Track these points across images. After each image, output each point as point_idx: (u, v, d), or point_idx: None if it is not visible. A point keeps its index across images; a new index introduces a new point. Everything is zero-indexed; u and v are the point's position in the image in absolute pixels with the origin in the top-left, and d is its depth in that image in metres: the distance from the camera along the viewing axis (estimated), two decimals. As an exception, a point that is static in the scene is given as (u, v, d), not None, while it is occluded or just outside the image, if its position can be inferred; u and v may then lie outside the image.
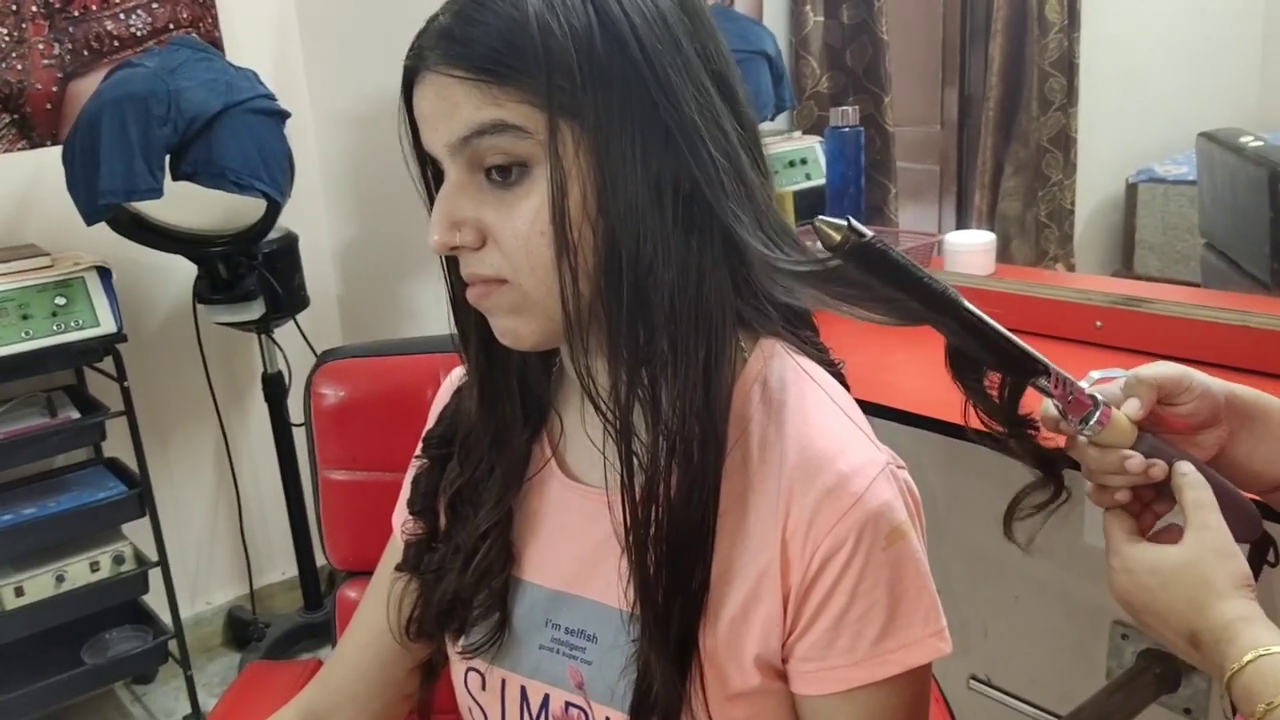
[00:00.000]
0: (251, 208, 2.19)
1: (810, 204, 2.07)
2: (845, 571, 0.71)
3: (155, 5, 2.37)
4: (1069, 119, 2.75)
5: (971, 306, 0.65)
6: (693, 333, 0.70)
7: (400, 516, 0.92)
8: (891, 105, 2.13)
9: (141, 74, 1.99)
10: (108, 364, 2.16)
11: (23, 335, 2.01)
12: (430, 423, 0.91)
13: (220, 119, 2.01)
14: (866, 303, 0.63)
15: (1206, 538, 0.70)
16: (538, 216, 0.68)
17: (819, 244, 0.62)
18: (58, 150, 2.09)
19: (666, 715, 0.74)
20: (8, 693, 2.10)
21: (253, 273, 2.29)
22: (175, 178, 2.04)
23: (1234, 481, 0.77)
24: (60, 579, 2.15)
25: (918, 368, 1.50)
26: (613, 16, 0.67)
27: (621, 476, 0.71)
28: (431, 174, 0.77)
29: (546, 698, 0.81)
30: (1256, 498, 0.79)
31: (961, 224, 2.80)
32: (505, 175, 0.69)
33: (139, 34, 2.36)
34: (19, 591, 2.10)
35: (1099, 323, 1.52)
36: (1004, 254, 2.22)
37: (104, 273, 2.12)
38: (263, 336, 2.43)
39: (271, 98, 2.13)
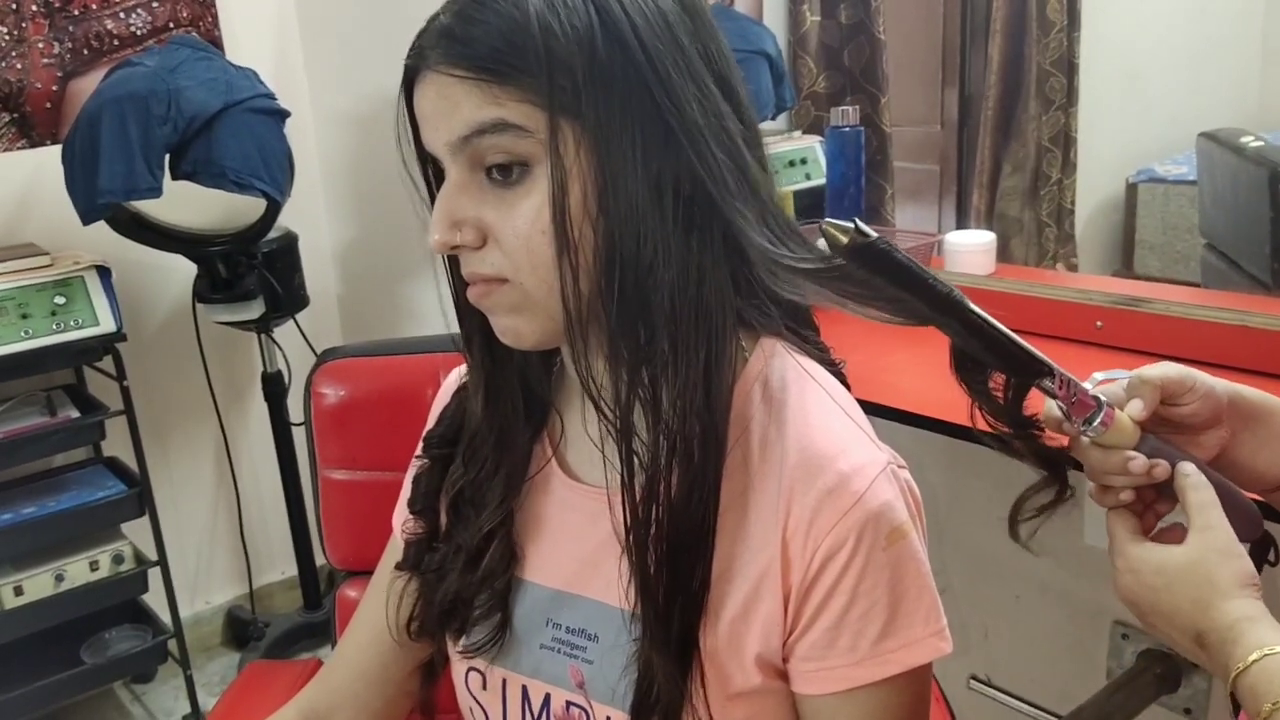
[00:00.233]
0: (251, 207, 2.19)
1: (810, 204, 2.07)
2: (846, 571, 0.71)
3: (155, 4, 2.37)
4: (1069, 119, 2.75)
5: (976, 308, 0.65)
6: (693, 332, 0.70)
7: (400, 516, 0.92)
8: (888, 105, 2.12)
9: (141, 73, 1.99)
10: (107, 363, 2.16)
11: (22, 334, 2.01)
12: (431, 423, 0.90)
13: (220, 118, 2.01)
14: (871, 301, 0.63)
15: (1210, 537, 0.70)
16: (538, 215, 0.68)
17: (823, 244, 0.62)
18: (57, 149, 2.09)
19: (667, 714, 0.73)
20: (7, 692, 2.09)
21: (252, 272, 2.29)
22: (175, 177, 2.04)
23: (1236, 481, 0.77)
24: (60, 578, 2.15)
25: (918, 368, 1.50)
26: (614, 16, 0.66)
27: (622, 476, 0.71)
28: (432, 173, 0.77)
29: (548, 697, 0.81)
30: (1258, 497, 0.79)
31: (961, 224, 2.80)
32: (506, 174, 0.69)
33: (139, 33, 2.36)
34: (18, 591, 2.10)
35: (1099, 323, 1.52)
36: (1004, 254, 2.22)
37: (103, 272, 2.12)
38: (262, 336, 2.43)
39: (271, 97, 2.13)
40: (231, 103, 2.02)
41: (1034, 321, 1.50)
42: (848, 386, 0.81)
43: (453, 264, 0.77)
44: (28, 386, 2.21)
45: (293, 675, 1.20)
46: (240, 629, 2.67)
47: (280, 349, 2.47)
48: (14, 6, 2.21)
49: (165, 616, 2.32)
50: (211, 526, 2.69)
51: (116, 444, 2.28)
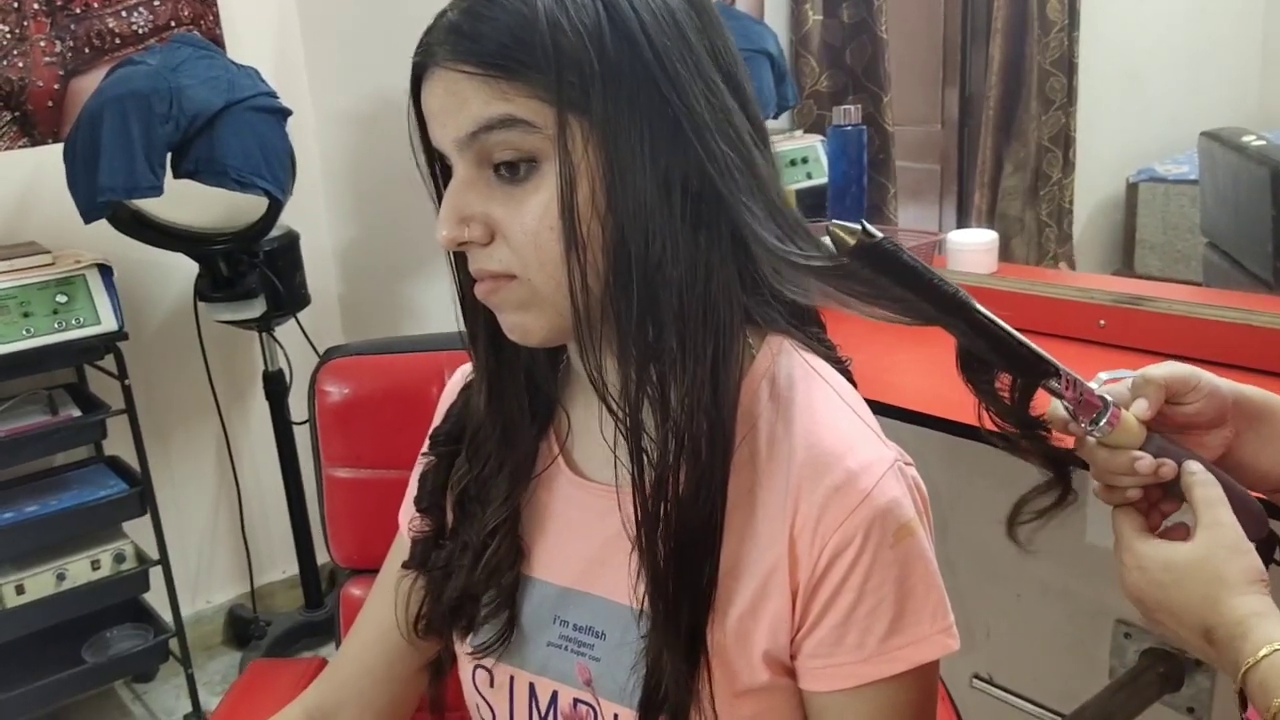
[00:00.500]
0: (253, 206, 2.19)
1: (812, 203, 2.07)
2: (853, 568, 0.71)
3: (157, 3, 2.37)
4: (1069, 118, 2.75)
5: (982, 308, 0.65)
6: (701, 329, 0.70)
7: (407, 514, 0.92)
8: (891, 104, 2.12)
9: (143, 71, 1.99)
10: (109, 362, 2.16)
11: (24, 333, 2.01)
12: (437, 420, 0.90)
13: (222, 117, 2.01)
14: (877, 301, 0.63)
15: (1219, 534, 0.70)
16: (546, 212, 0.68)
17: (828, 244, 0.62)
18: (59, 148, 2.09)
19: (675, 712, 0.74)
20: (8, 691, 2.09)
21: (254, 271, 2.29)
22: (177, 175, 2.04)
23: (1240, 480, 0.77)
24: (61, 577, 2.14)
25: (920, 366, 1.50)
26: (622, 13, 0.66)
27: (631, 473, 0.71)
28: (440, 170, 0.77)
29: (555, 695, 0.81)
30: (1262, 496, 0.79)
31: (962, 223, 2.80)
32: (514, 171, 0.69)
33: (140, 31, 2.36)
34: (20, 589, 2.10)
35: (1102, 321, 1.52)
36: (1004, 253, 2.22)
37: (105, 270, 2.12)
38: (264, 335, 2.43)
39: (273, 95, 2.13)
40: (233, 101, 2.02)
41: (1036, 320, 1.50)
42: (854, 384, 0.81)
43: (459, 260, 0.77)
44: (29, 385, 2.21)
45: (296, 674, 1.21)
46: (241, 628, 2.67)
47: (281, 348, 2.47)
48: (16, 5, 2.21)
49: (166, 615, 2.32)
50: (212, 525, 2.69)
51: (118, 443, 2.28)
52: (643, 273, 0.68)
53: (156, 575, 2.27)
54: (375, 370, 1.26)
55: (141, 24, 2.36)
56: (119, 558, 2.23)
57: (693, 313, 0.69)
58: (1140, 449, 0.73)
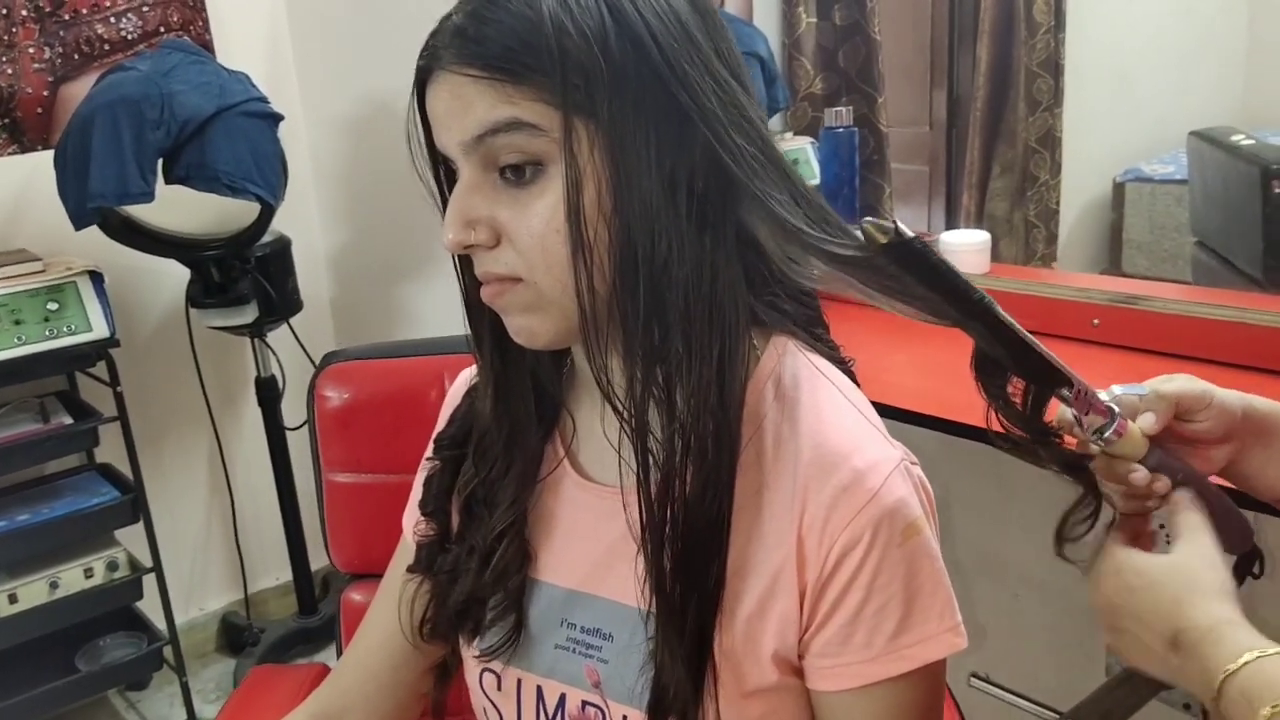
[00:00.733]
0: (244, 211, 2.18)
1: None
2: (861, 568, 0.71)
3: (146, 9, 2.37)
4: (1056, 119, 2.76)
5: (1004, 314, 0.65)
6: (706, 330, 0.70)
7: (411, 518, 0.92)
8: (885, 105, 2.13)
9: (134, 77, 1.99)
10: (100, 369, 2.15)
11: (15, 340, 2.00)
12: (441, 424, 0.90)
13: (213, 122, 2.01)
14: (900, 297, 0.63)
15: (1196, 548, 0.70)
16: (553, 215, 0.68)
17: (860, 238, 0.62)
18: (49, 155, 2.08)
19: (684, 713, 0.74)
20: (2, 700, 2.08)
21: (246, 276, 2.28)
22: (169, 181, 2.04)
23: (1248, 491, 0.78)
24: (54, 585, 2.14)
25: (918, 367, 1.50)
26: (627, 17, 0.67)
27: (637, 474, 0.72)
28: (443, 174, 0.77)
29: (563, 697, 0.81)
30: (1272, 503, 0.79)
31: (950, 224, 2.81)
32: (519, 174, 0.69)
33: (129, 37, 2.36)
34: (12, 598, 2.09)
35: (1096, 321, 1.53)
36: (992, 254, 2.23)
37: (96, 277, 2.11)
38: (256, 341, 2.42)
39: (265, 100, 2.12)
40: (225, 107, 2.02)
41: (1030, 320, 1.49)
42: (857, 384, 0.82)
43: (464, 264, 0.77)
44: (21, 393, 2.20)
45: (297, 680, 1.20)
46: (235, 635, 2.66)
47: (274, 353, 2.46)
48: (4, 11, 2.20)
49: (160, 623, 2.31)
50: (205, 532, 2.68)
51: (110, 450, 2.27)
52: (649, 274, 0.68)
53: (150, 583, 2.26)
54: (375, 375, 1.26)
55: (130, 30, 2.36)
56: (112, 566, 2.22)
57: (698, 313, 0.70)
58: (1141, 461, 0.74)
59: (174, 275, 2.36)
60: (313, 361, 2.45)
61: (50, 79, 2.27)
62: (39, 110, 2.27)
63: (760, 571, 0.74)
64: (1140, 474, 0.73)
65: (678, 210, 0.68)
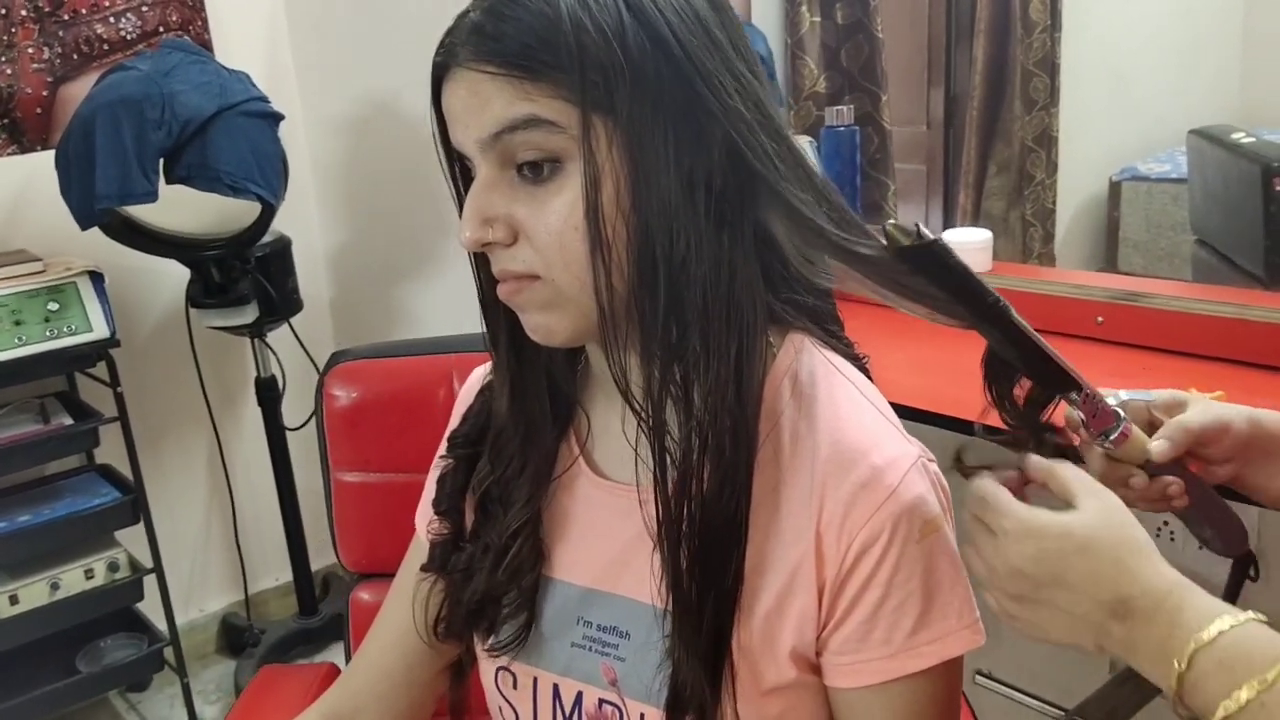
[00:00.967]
0: (244, 211, 2.18)
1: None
2: (880, 564, 0.71)
3: (145, 8, 2.36)
4: (1052, 119, 2.76)
5: (1020, 320, 0.66)
6: (724, 328, 0.70)
7: (424, 517, 0.92)
8: (888, 104, 2.13)
9: (135, 77, 1.98)
10: (100, 370, 2.14)
11: (16, 341, 2.00)
12: (454, 422, 0.90)
13: (214, 122, 2.00)
14: (916, 298, 0.63)
15: (1109, 500, 0.64)
16: (571, 212, 0.68)
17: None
18: (48, 155, 2.08)
19: (702, 710, 0.74)
20: (3, 702, 2.07)
21: (246, 276, 2.28)
22: (169, 181, 2.03)
23: (1252, 499, 0.78)
24: (55, 586, 2.13)
25: (917, 365, 1.51)
26: (646, 13, 0.67)
27: (655, 473, 0.71)
28: (459, 171, 0.77)
29: (579, 695, 0.81)
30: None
31: (948, 223, 2.81)
32: (537, 171, 0.69)
33: (129, 37, 2.35)
34: (13, 600, 2.09)
35: (1100, 318, 1.53)
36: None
37: (96, 277, 2.11)
38: (256, 341, 2.42)
39: (265, 100, 2.12)
40: (225, 106, 2.01)
41: (1034, 318, 1.49)
42: (872, 381, 0.82)
43: (480, 262, 0.77)
44: (21, 394, 2.19)
45: (306, 679, 1.20)
46: (236, 636, 2.66)
47: (274, 354, 2.46)
48: (3, 12, 2.19)
49: (161, 624, 2.31)
50: (205, 533, 2.67)
51: (110, 451, 2.27)
52: (667, 272, 0.68)
53: (150, 584, 2.26)
54: (382, 374, 1.26)
55: (130, 30, 2.35)
56: (113, 566, 2.21)
57: (716, 311, 0.70)
58: (1141, 466, 0.73)
59: (174, 275, 2.36)
60: (313, 361, 2.45)
61: (49, 79, 2.27)
62: (38, 110, 2.26)
63: (778, 569, 0.74)
64: (1139, 478, 0.73)
65: (696, 208, 0.68)
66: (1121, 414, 0.72)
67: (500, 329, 0.80)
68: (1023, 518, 0.64)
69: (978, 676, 1.71)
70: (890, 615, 0.72)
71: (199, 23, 2.45)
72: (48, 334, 2.04)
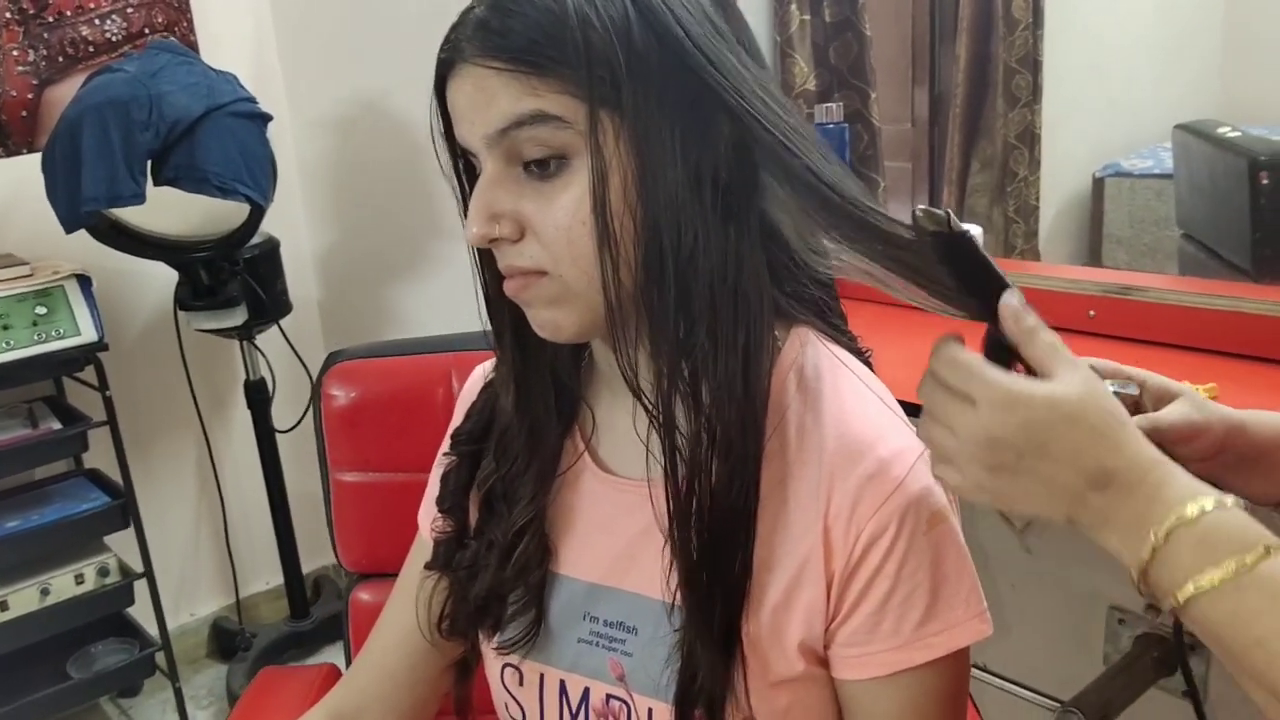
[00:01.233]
0: (232, 212, 2.17)
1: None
2: (889, 556, 0.72)
3: (130, 10, 2.35)
4: (1034, 116, 2.77)
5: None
6: (731, 322, 0.70)
7: (427, 515, 0.92)
8: (877, 101, 2.14)
9: (122, 79, 1.97)
10: (88, 374, 2.13)
11: (3, 345, 1.99)
12: (457, 420, 0.90)
13: (202, 123, 1.99)
14: (927, 285, 0.63)
15: (1088, 373, 0.62)
16: (579, 207, 0.68)
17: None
18: (35, 158, 2.06)
19: (711, 704, 0.74)
20: (-6, 709, 2.07)
21: (234, 278, 2.27)
22: (158, 183, 2.02)
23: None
24: (45, 592, 2.12)
25: (917, 360, 1.51)
26: (653, 8, 0.67)
27: (664, 468, 0.72)
28: (462, 167, 0.77)
29: (587, 691, 0.81)
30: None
31: (934, 220, 2.82)
32: (544, 167, 0.69)
33: (114, 39, 2.34)
34: (3, 606, 2.07)
35: (1092, 312, 1.54)
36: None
37: (84, 281, 2.10)
38: (245, 343, 2.41)
39: (253, 101, 2.11)
40: (213, 107, 2.00)
41: (1026, 312, 1.52)
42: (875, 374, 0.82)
43: (484, 259, 0.77)
44: (8, 398, 2.18)
45: (307, 680, 1.20)
46: (227, 640, 2.64)
47: (264, 356, 2.45)
48: (-13, 14, 2.18)
49: (151, 629, 2.29)
50: (195, 537, 2.66)
51: (98, 455, 2.25)
52: (675, 266, 0.68)
53: (141, 588, 2.24)
54: (381, 373, 1.26)
55: (115, 32, 2.34)
56: (103, 571, 2.20)
57: (724, 304, 0.70)
58: None
59: (162, 278, 2.34)
60: (303, 363, 2.44)
61: (35, 82, 2.25)
62: (23, 113, 2.25)
63: (786, 562, 0.74)
64: None
65: (703, 201, 0.68)
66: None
67: (505, 326, 0.80)
68: (1008, 385, 0.61)
69: (974, 670, 1.72)
70: (898, 607, 0.72)
71: (184, 24, 2.43)
72: (35, 338, 2.02)
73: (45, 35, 2.25)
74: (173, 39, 2.38)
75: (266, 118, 2.13)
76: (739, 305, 0.70)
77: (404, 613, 0.92)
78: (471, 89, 0.69)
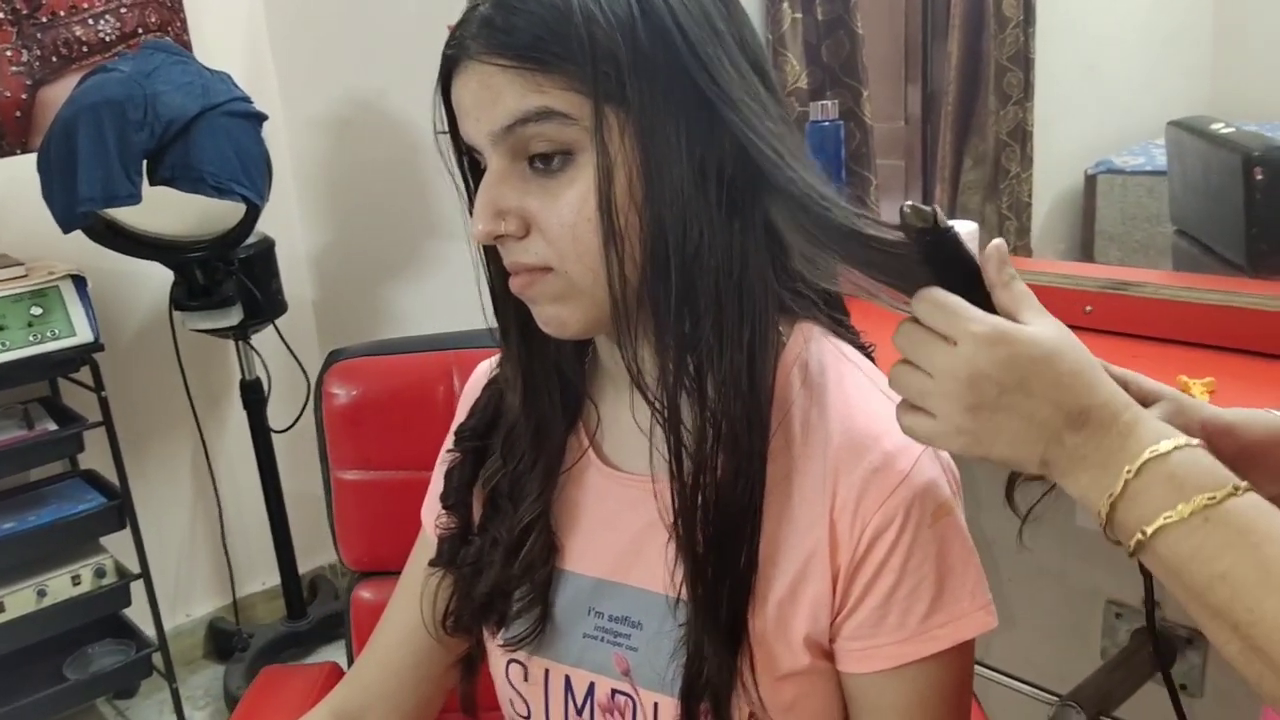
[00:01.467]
0: (227, 212, 2.16)
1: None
2: (894, 549, 0.72)
3: (124, 10, 2.34)
4: (1026, 113, 2.78)
5: None
6: (737, 317, 0.70)
7: (431, 512, 0.92)
8: (870, 99, 2.15)
9: (117, 79, 1.97)
10: (84, 374, 2.12)
11: (-1, 346, 1.98)
12: (461, 416, 0.90)
13: (197, 123, 1.99)
14: (914, 290, 0.64)
15: (1058, 320, 0.63)
16: (584, 204, 0.68)
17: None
18: (29, 159, 2.06)
19: (717, 698, 0.74)
20: (-10, 711, 2.06)
21: (230, 278, 2.26)
22: (153, 183, 2.02)
23: None
24: (42, 594, 2.11)
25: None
26: (655, 6, 0.67)
27: (670, 464, 0.72)
28: (467, 164, 0.77)
29: (592, 686, 0.81)
30: None
31: (927, 218, 2.82)
32: (549, 163, 0.69)
33: (108, 39, 2.33)
34: (0, 607, 2.06)
35: (1089, 307, 1.54)
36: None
37: (79, 281, 2.09)
38: (240, 343, 2.40)
39: (248, 100, 2.11)
40: (208, 107, 2.00)
41: (1023, 308, 1.52)
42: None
43: (490, 255, 0.77)
44: (4, 399, 2.18)
45: (309, 679, 1.20)
46: (223, 641, 2.64)
47: (259, 356, 2.44)
48: (-21, 14, 2.17)
49: (148, 630, 2.29)
50: (192, 537, 2.65)
51: (94, 456, 2.25)
52: (680, 262, 0.69)
53: (137, 589, 2.24)
54: (382, 371, 1.26)
55: (109, 32, 2.33)
56: (99, 572, 2.19)
57: (729, 300, 0.70)
58: None
59: (157, 278, 2.34)
60: (299, 362, 2.44)
61: (28, 82, 2.25)
62: (17, 114, 2.24)
63: (792, 556, 0.74)
64: None
65: (707, 198, 0.69)
66: None
67: (511, 322, 0.80)
68: (993, 322, 0.61)
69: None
70: (904, 600, 0.73)
71: (178, 24, 2.43)
72: (30, 339, 2.02)
73: (39, 35, 2.25)
74: (167, 39, 2.37)
75: (262, 117, 2.12)
76: (744, 301, 0.71)
77: (408, 610, 0.92)
78: (477, 86, 0.69)
